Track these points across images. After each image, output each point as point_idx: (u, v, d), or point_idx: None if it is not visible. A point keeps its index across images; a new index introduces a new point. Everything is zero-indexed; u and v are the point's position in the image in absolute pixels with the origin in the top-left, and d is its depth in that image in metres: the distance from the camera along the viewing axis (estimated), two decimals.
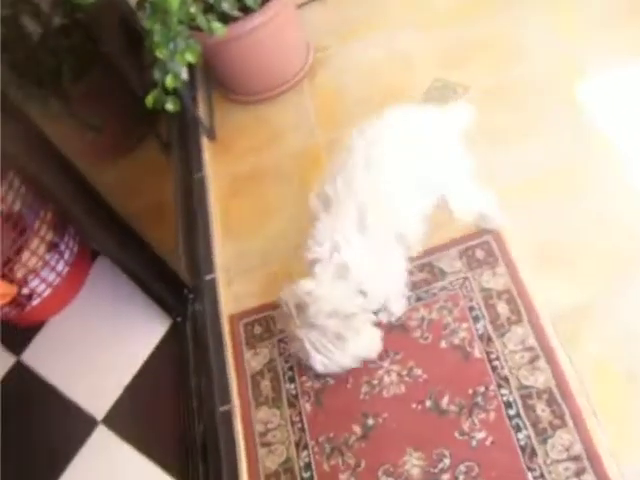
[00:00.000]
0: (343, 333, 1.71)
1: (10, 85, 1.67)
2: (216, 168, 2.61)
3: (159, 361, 2.21)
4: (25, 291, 2.34)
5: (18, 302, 2.35)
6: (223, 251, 2.39)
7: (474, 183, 1.91)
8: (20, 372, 2.36)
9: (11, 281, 2.24)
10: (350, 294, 1.75)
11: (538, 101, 2.34)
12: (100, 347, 2.32)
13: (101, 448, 2.08)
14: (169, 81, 2.18)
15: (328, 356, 1.76)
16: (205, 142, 2.66)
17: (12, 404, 2.21)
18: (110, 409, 2.14)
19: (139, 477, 1.98)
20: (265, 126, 2.68)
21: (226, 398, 2.01)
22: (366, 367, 1.92)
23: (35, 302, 2.40)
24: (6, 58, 1.95)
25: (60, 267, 2.40)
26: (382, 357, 1.92)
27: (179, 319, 2.27)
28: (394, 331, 1.96)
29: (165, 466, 1.96)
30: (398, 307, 1.96)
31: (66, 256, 2.41)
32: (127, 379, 2.19)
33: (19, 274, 2.28)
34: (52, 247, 2.35)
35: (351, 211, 1.72)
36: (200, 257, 2.37)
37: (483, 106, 2.23)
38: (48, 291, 2.40)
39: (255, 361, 2.06)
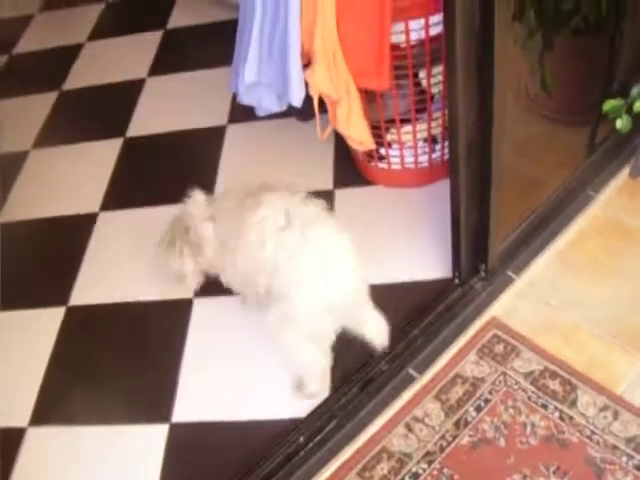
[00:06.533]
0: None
1: None
2: (608, 202, 2.40)
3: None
4: (382, 152, 2.46)
5: (370, 154, 2.49)
6: (547, 270, 2.26)
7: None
8: None
9: (378, 136, 2.36)
10: None
11: None
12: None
13: None
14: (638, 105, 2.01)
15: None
16: (622, 175, 2.43)
17: None
18: None
19: None
20: None
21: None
22: None
23: (379, 165, 2.53)
24: None
25: (420, 159, 2.46)
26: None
27: (456, 281, 2.24)
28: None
29: None
30: None
31: (432, 156, 2.46)
32: None
33: (389, 137, 2.39)
34: (431, 140, 2.41)
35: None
36: (521, 255, 2.28)
37: None
38: (396, 167, 2.50)
39: (469, 368, 2.00)
